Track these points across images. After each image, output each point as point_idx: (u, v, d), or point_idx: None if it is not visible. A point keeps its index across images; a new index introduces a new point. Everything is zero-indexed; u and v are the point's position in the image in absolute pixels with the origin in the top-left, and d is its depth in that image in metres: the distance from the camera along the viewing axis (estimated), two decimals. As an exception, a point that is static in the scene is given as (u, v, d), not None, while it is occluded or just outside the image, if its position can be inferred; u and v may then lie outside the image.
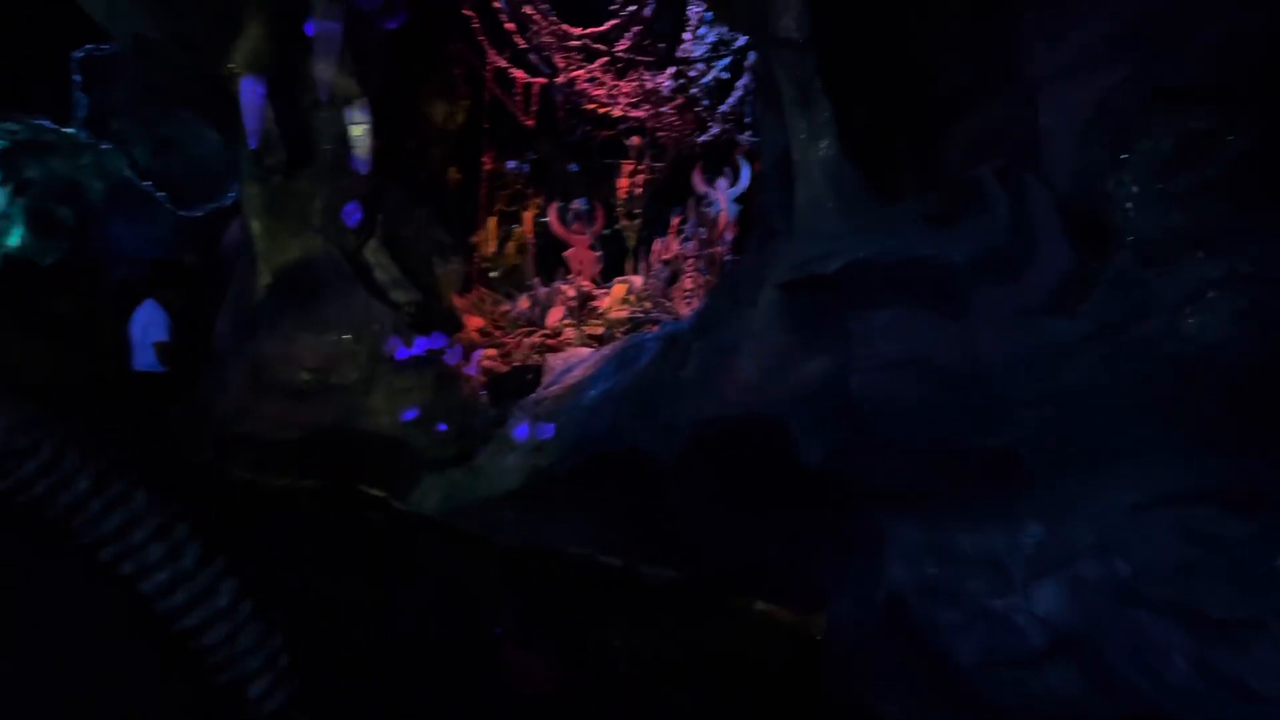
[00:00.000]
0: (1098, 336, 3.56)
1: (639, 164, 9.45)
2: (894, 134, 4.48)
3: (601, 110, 9.09)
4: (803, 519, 4.47)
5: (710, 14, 8.59)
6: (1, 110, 11.93)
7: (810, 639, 4.42)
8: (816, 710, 3.96)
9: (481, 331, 8.18)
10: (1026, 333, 3.68)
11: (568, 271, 8.91)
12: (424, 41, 8.41)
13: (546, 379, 7.13)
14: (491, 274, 9.55)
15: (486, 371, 7.36)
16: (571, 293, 8.42)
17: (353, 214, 7.70)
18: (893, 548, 3.76)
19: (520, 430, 6.45)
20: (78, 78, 12.73)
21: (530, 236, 9.62)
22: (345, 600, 5.15)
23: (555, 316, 8.27)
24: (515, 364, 7.66)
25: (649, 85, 8.79)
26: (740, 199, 8.88)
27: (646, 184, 9.46)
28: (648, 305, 8.32)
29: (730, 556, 4.94)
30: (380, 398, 7.12)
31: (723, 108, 9.17)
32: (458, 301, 8.30)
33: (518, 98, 9.25)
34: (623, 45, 8.08)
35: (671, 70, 8.88)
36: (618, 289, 8.53)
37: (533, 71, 9.07)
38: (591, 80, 8.72)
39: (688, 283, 8.37)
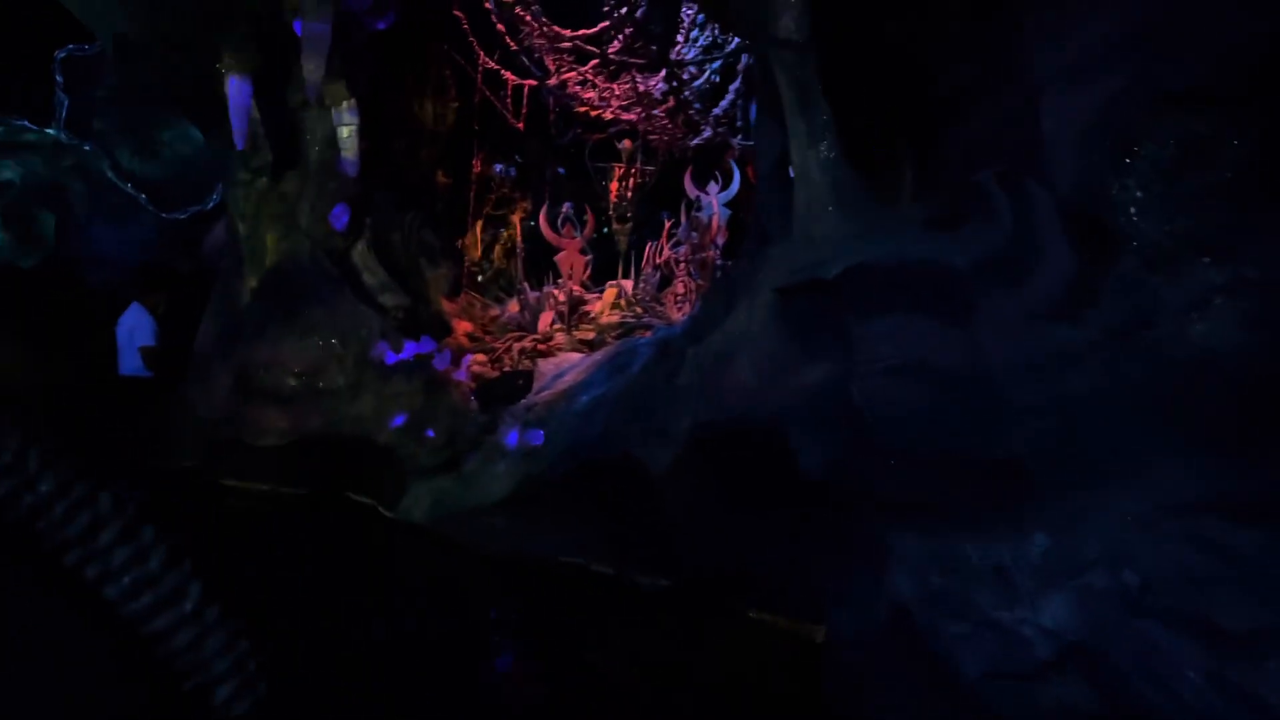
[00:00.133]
0: (1103, 342, 3.51)
1: (630, 167, 9.38)
2: (894, 136, 4.43)
3: (593, 113, 9.01)
4: (802, 527, 4.40)
5: (702, 16, 8.53)
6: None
7: (810, 649, 4.35)
8: (817, 723, 3.90)
9: (471, 336, 8.09)
10: (1031, 338, 3.62)
11: (557, 276, 8.83)
12: (413, 43, 8.32)
13: (537, 385, 7.04)
14: (478, 278, 9.46)
15: (476, 377, 7.27)
16: (562, 297, 8.34)
17: (340, 216, 7.59)
18: (895, 558, 3.69)
19: (511, 436, 6.36)
20: (59, 78, 12.56)
21: (519, 240, 9.54)
22: (330, 608, 5.07)
23: (546, 321, 8.19)
24: (505, 369, 7.57)
25: (641, 88, 8.72)
26: (730, 203, 8.84)
27: (637, 188, 9.39)
28: (639, 310, 8.25)
29: (727, 565, 4.87)
30: (368, 403, 7.02)
31: (716, 111, 9.11)
32: (447, 306, 8.20)
33: (508, 100, 9.16)
34: (614, 48, 7.99)
35: (663, 73, 8.82)
36: (609, 293, 8.46)
37: (523, 73, 8.99)
38: (583, 83, 8.65)
39: (680, 287, 8.30)
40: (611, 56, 8.02)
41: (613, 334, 7.84)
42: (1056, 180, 3.87)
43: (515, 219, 10.66)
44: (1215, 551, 2.98)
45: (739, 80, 9.12)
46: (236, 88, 7.04)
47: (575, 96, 8.79)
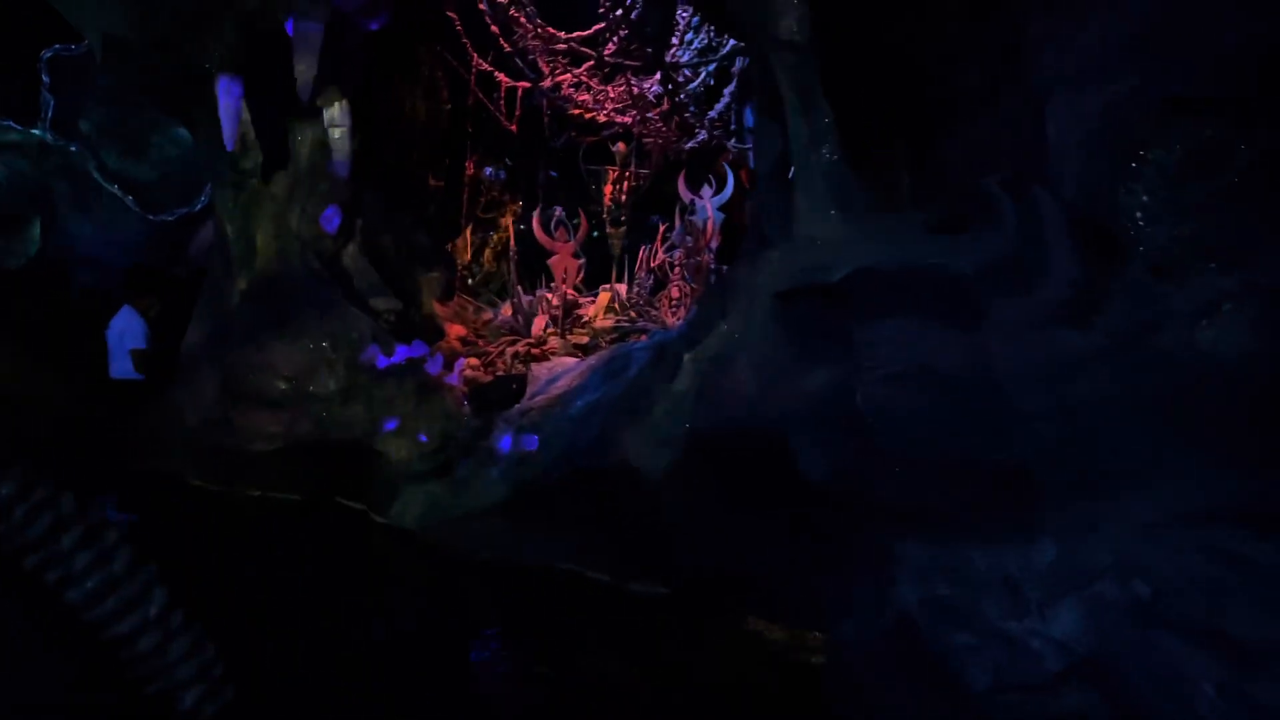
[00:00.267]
0: (1111, 349, 3.48)
1: (624, 171, 9.32)
2: (897, 139, 4.39)
3: (587, 116, 8.95)
4: (804, 534, 4.34)
5: (697, 19, 8.49)
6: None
7: (811, 660, 4.30)
8: (819, 734, 3.84)
9: (463, 340, 8.01)
10: (1037, 344, 3.58)
11: (550, 279, 8.76)
12: (406, 43, 8.25)
13: (531, 389, 6.97)
14: (468, 281, 9.40)
15: (469, 381, 7.19)
16: (555, 301, 8.27)
17: (331, 219, 7.51)
18: (901, 567, 3.63)
19: (504, 442, 6.29)
20: (45, 78, 12.43)
21: (512, 243, 9.47)
22: (320, 616, 5.00)
23: (539, 325, 8.12)
24: (498, 374, 7.49)
25: (635, 90, 8.66)
26: (724, 207, 8.79)
27: (631, 191, 9.33)
28: (633, 314, 8.19)
29: (727, 572, 4.81)
30: (359, 408, 6.93)
31: (711, 114, 9.07)
32: (439, 309, 8.12)
33: (501, 102, 9.10)
34: (609, 49, 7.94)
35: (658, 75, 8.77)
36: (602, 298, 8.40)
37: (517, 75, 8.92)
38: (577, 85, 8.58)
39: (675, 291, 8.24)
40: (607, 59, 7.95)
41: (607, 338, 7.78)
42: (1061, 185, 3.84)
43: (505, 222, 10.59)
44: (1229, 561, 2.94)
45: (734, 83, 9.08)
46: (226, 88, 6.95)
47: (569, 99, 8.73)
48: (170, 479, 7.31)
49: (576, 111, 9.00)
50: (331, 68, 7.01)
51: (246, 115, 7.16)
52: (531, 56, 8.42)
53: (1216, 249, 3.52)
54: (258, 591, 5.27)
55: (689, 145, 9.35)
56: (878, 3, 4.35)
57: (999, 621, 3.29)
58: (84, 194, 12.53)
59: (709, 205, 8.42)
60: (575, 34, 8.10)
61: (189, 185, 12.65)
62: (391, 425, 6.72)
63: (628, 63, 8.11)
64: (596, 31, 7.99)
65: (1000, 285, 3.75)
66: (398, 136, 8.56)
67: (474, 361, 7.62)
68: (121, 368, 7.67)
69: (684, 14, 8.57)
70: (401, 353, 6.94)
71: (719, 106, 9.15)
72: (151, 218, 12.78)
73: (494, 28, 8.11)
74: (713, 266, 8.29)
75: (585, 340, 7.87)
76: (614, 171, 9.38)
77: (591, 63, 8.19)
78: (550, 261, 8.59)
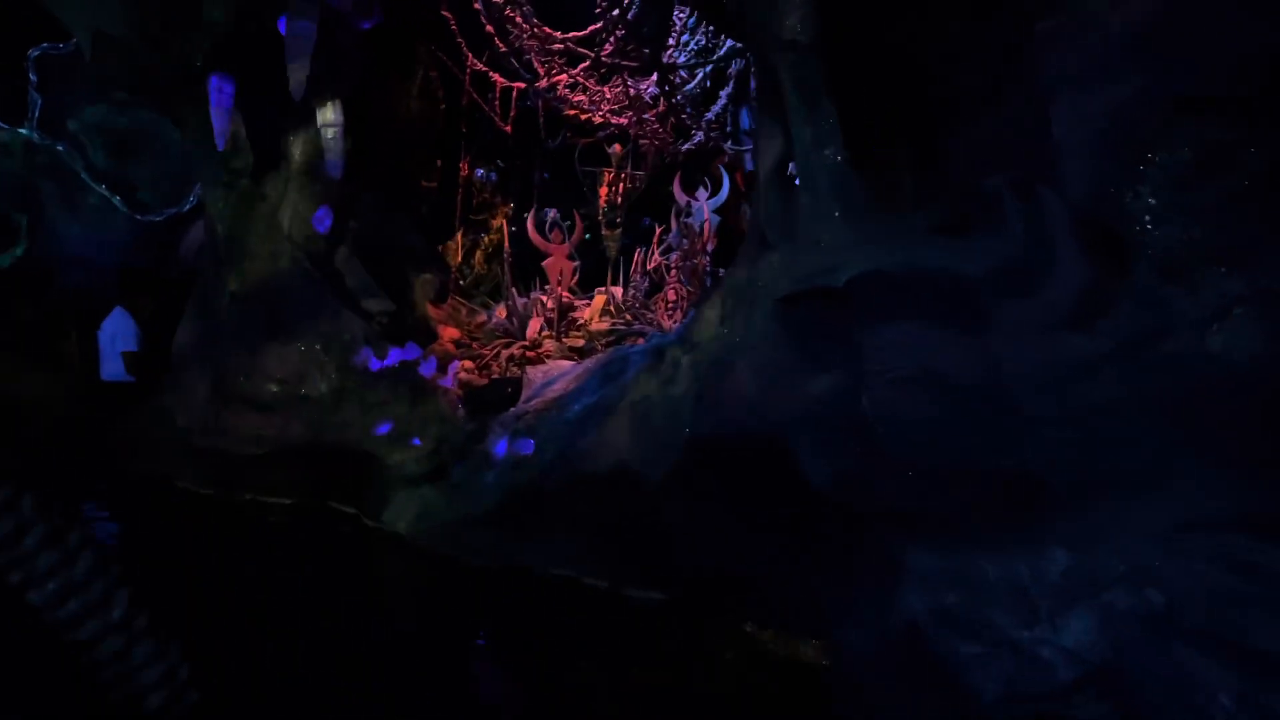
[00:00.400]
0: (1120, 353, 3.43)
1: (620, 172, 9.25)
2: (902, 141, 4.33)
3: (583, 117, 8.88)
4: (807, 540, 4.28)
5: (693, 20, 8.43)
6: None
7: (815, 667, 4.24)
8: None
9: (457, 343, 7.93)
10: (1046, 348, 3.53)
11: (544, 282, 8.69)
12: (400, 43, 8.17)
13: (526, 392, 6.90)
14: (460, 283, 9.32)
15: (463, 384, 7.11)
16: (550, 304, 8.20)
17: (323, 220, 7.42)
18: (908, 574, 3.57)
19: (499, 446, 6.21)
20: (33, 76, 12.29)
21: (506, 245, 9.39)
22: (312, 621, 4.93)
23: (534, 328, 8.04)
24: (493, 377, 7.41)
25: (632, 91, 8.60)
26: (719, 210, 8.74)
27: (627, 193, 9.26)
28: (628, 317, 8.12)
29: (727, 578, 4.75)
30: (351, 411, 6.86)
31: (708, 115, 9.01)
32: (433, 312, 8.04)
33: (496, 103, 9.02)
34: (606, 50, 7.87)
35: (654, 76, 8.70)
36: (598, 300, 8.33)
37: (512, 76, 8.85)
38: (573, 86, 8.51)
39: (671, 294, 8.17)
40: (604, 59, 7.88)
41: (603, 341, 7.71)
42: (1068, 187, 3.79)
43: (496, 223, 10.52)
44: (1244, 570, 2.89)
45: (730, 85, 9.03)
46: (218, 87, 6.87)
47: (565, 99, 8.66)
48: (160, 482, 7.21)
49: (572, 112, 8.92)
50: (325, 67, 6.93)
51: (238, 114, 7.07)
52: (527, 56, 8.34)
53: (1225, 252, 3.47)
54: (249, 597, 5.20)
55: (685, 147, 9.29)
56: (882, 2, 4.30)
57: (1009, 631, 3.24)
58: (72, 194, 12.40)
59: (705, 207, 8.36)
60: (571, 34, 8.03)
61: (177, 185, 12.54)
62: (385, 428, 6.65)
63: (625, 63, 8.04)
64: (593, 32, 7.92)
65: (1006, 288, 3.70)
66: (391, 137, 8.46)
67: (468, 364, 7.55)
68: (113, 369, 7.57)
69: (680, 14, 8.51)
70: (395, 355, 6.87)
71: (716, 108, 9.10)
72: (140, 218, 12.67)
73: (489, 27, 8.03)
74: (708, 269, 8.24)
75: (581, 343, 7.81)
76: (609, 173, 9.31)
77: (588, 63, 8.12)
78: (545, 264, 8.51)
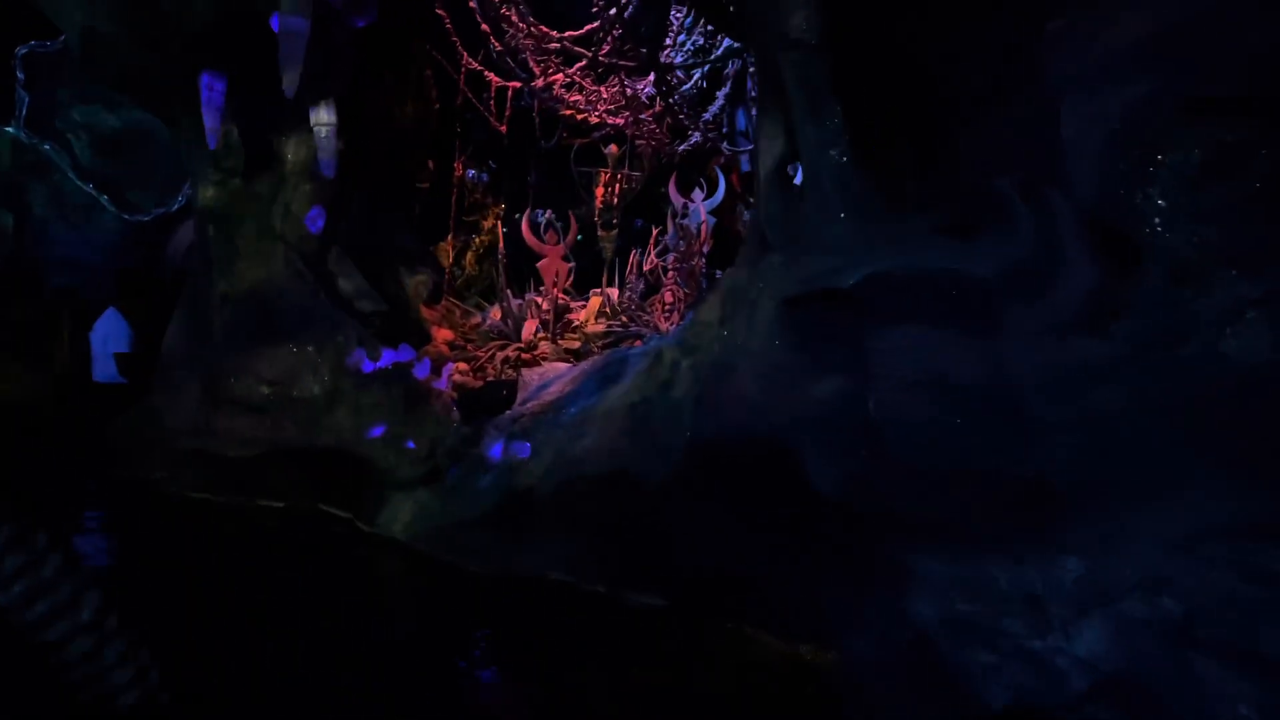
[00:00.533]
0: (1132, 357, 3.38)
1: (616, 173, 9.19)
2: (909, 141, 4.28)
3: (579, 116, 8.82)
4: (813, 546, 4.21)
5: (690, 20, 8.37)
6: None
7: (820, 676, 4.17)
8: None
9: (451, 345, 7.85)
10: (1057, 352, 3.48)
11: (539, 283, 8.62)
12: (394, 41, 8.08)
13: (522, 395, 6.82)
14: (453, 284, 9.25)
15: (458, 387, 7.04)
16: (546, 305, 8.13)
17: (316, 220, 7.35)
18: (916, 581, 3.52)
19: (495, 449, 6.14)
20: (20, 75, 12.18)
21: (501, 246, 9.31)
22: (305, 627, 4.84)
23: (529, 330, 7.97)
24: (488, 379, 7.34)
25: (629, 92, 8.54)
26: (715, 211, 8.69)
27: (623, 194, 9.20)
28: (624, 319, 8.05)
29: (729, 584, 4.67)
30: (344, 413, 6.77)
31: (705, 116, 8.95)
32: (426, 313, 7.96)
33: (491, 102, 8.94)
34: (603, 50, 7.81)
35: (651, 76, 8.64)
36: (594, 302, 8.26)
37: (507, 75, 8.77)
38: (569, 85, 8.45)
39: (668, 296, 8.11)
40: (601, 59, 7.82)
41: (599, 343, 7.64)
42: (1078, 188, 3.74)
43: (487, 224, 10.46)
44: (1263, 577, 2.84)
45: (728, 86, 8.97)
46: (209, 85, 6.78)
47: (561, 99, 8.59)
48: (149, 485, 7.11)
49: (568, 112, 8.86)
50: (318, 65, 6.85)
51: (229, 113, 6.98)
52: (522, 56, 8.27)
53: (1238, 254, 3.43)
54: (240, 602, 5.12)
55: (682, 148, 9.24)
56: (888, 0, 4.25)
57: (1022, 639, 3.18)
58: (59, 193, 12.29)
59: (702, 209, 8.31)
60: (568, 33, 7.97)
61: (166, 185, 12.45)
62: (378, 431, 6.56)
63: (622, 63, 7.98)
64: (590, 31, 7.86)
65: (1016, 290, 3.65)
66: (385, 136, 8.39)
67: (463, 366, 7.47)
68: (105, 371, 7.48)
69: (678, 14, 8.45)
70: (388, 357, 6.80)
71: (713, 109, 9.04)
72: (128, 218, 12.56)
73: (484, 26, 7.96)
74: (704, 271, 8.18)
75: (577, 345, 7.74)
76: (605, 174, 9.25)
77: (584, 62, 8.05)
78: (540, 265, 8.45)
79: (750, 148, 9.10)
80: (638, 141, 9.12)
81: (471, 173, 10.35)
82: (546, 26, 7.99)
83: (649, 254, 8.75)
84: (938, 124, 4.22)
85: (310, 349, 6.90)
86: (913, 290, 3.80)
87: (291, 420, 6.82)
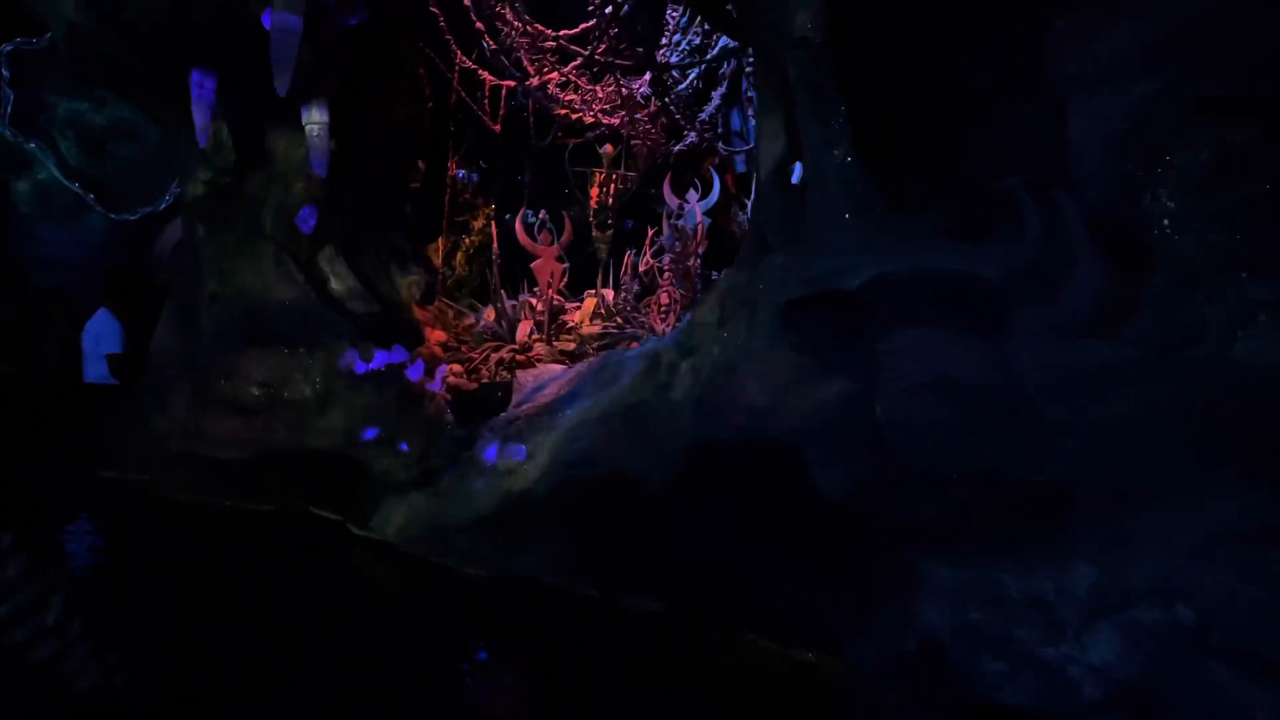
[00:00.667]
0: (1142, 361, 3.34)
1: (612, 173, 9.12)
2: (914, 141, 4.23)
3: (574, 116, 8.75)
4: (817, 551, 4.16)
5: (685, 20, 8.32)
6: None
7: (824, 684, 4.11)
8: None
9: (445, 346, 7.77)
10: (1066, 355, 3.44)
11: (533, 284, 8.54)
12: (387, 39, 8.00)
13: (516, 397, 6.75)
14: (445, 284, 9.17)
15: (452, 388, 6.96)
16: (540, 306, 8.05)
17: (307, 219, 7.25)
18: (925, 588, 3.46)
19: (489, 452, 6.06)
20: (5, 72, 12.02)
21: (495, 246, 9.24)
22: (296, 631, 4.78)
23: (524, 331, 7.89)
24: (483, 381, 7.26)
25: (624, 91, 8.48)
26: (710, 212, 8.63)
27: (618, 194, 9.14)
28: (619, 320, 7.99)
29: (730, 589, 4.62)
30: (336, 415, 6.68)
31: (702, 116, 8.90)
32: (419, 314, 7.87)
33: (485, 101, 8.86)
34: (598, 49, 7.74)
35: (648, 76, 8.59)
36: (588, 303, 8.19)
37: (501, 74, 8.70)
38: (565, 85, 8.38)
39: (664, 298, 8.04)
40: (597, 58, 7.75)
41: (595, 345, 7.57)
42: (1085, 190, 3.70)
43: (477, 225, 10.38)
44: (1277, 583, 2.80)
45: (724, 86, 8.93)
46: (199, 82, 6.69)
47: (556, 98, 8.52)
48: (138, 487, 7.02)
49: (563, 112, 8.79)
50: (310, 63, 6.76)
51: (220, 111, 6.88)
52: (517, 54, 8.19)
53: (1247, 257, 3.40)
54: (230, 606, 5.05)
55: (677, 148, 9.18)
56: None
57: (1034, 647, 3.14)
58: (45, 192, 12.15)
59: (697, 210, 8.25)
60: (563, 32, 7.90)
61: (153, 183, 12.32)
62: (371, 434, 6.48)
63: (618, 62, 7.92)
64: (585, 30, 7.79)
65: (1024, 293, 3.61)
66: (378, 135, 8.29)
67: (457, 368, 7.39)
68: (96, 371, 7.37)
69: (674, 14, 8.40)
70: (381, 358, 6.71)
71: (709, 109, 8.99)
72: (114, 216, 12.42)
73: (479, 24, 7.88)
74: (700, 272, 8.13)
75: (572, 347, 7.67)
76: (600, 174, 9.18)
77: (579, 61, 7.99)
78: (533, 265, 8.37)
79: (745, 148, 9.06)
80: (633, 141, 9.06)
81: (461, 173, 10.28)
82: (542, 25, 7.91)
83: (644, 255, 8.69)
84: (943, 124, 4.17)
85: (301, 350, 6.81)
86: (918, 292, 3.75)
87: (282, 422, 6.73)
